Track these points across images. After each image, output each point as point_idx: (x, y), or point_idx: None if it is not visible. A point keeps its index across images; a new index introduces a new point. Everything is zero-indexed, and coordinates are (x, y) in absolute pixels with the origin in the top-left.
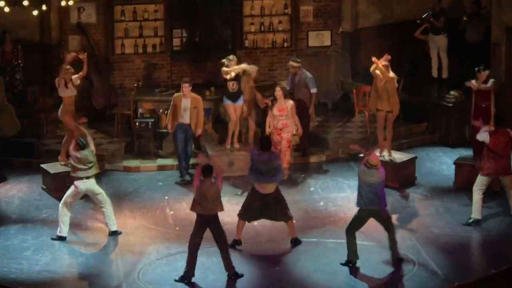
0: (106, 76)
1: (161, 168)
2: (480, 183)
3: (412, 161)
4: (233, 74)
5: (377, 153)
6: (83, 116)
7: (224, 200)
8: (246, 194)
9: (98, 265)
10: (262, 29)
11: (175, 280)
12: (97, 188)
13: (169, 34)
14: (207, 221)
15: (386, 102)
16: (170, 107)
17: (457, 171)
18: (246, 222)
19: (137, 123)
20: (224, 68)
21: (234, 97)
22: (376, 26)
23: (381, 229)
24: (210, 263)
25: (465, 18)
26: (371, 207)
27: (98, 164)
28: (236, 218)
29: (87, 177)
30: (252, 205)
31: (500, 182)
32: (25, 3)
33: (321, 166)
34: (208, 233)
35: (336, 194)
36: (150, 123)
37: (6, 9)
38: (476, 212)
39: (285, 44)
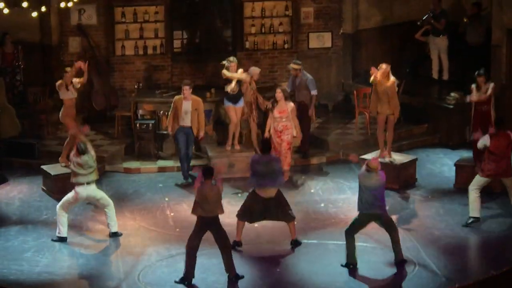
0: (106, 77)
1: (162, 169)
2: (476, 183)
3: (412, 163)
4: (233, 84)
5: (378, 156)
6: (86, 124)
7: (224, 201)
8: (246, 194)
9: (99, 267)
10: (263, 31)
11: (175, 282)
12: (98, 193)
13: (170, 36)
14: (207, 223)
15: (386, 105)
16: (171, 109)
17: (458, 172)
18: (246, 223)
19: (137, 125)
20: (225, 72)
21: (235, 99)
22: (377, 28)
23: (381, 231)
24: (210, 264)
25: (465, 20)
26: (371, 210)
27: (98, 165)
28: (236, 220)
29: (88, 183)
30: (252, 207)
31: (501, 183)
32: (25, 4)
33: (322, 167)
34: (209, 235)
35: (337, 196)
36: (150, 124)
37: (6, 11)
38: (474, 211)
39: (286, 46)
